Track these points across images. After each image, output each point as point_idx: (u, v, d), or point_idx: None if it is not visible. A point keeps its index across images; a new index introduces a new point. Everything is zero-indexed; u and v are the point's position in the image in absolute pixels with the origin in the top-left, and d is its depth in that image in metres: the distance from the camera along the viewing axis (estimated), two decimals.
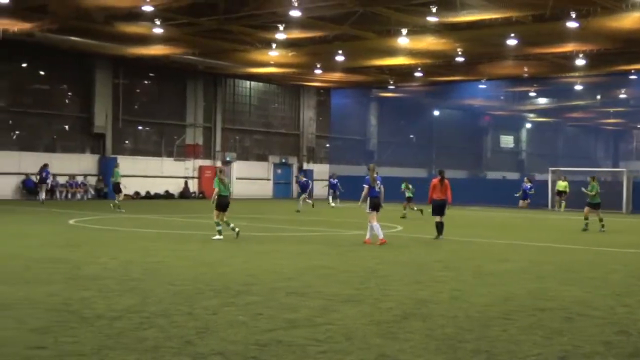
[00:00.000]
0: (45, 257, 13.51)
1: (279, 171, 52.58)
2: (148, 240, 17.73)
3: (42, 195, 35.23)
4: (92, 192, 41.83)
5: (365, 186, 17.66)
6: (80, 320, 8.00)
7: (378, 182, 17.71)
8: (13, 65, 40.13)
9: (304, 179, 37.86)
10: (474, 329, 7.98)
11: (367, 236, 17.69)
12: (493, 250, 17.20)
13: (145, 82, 46.33)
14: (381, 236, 17.32)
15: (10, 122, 40.41)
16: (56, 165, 39.20)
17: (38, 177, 36.28)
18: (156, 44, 36.55)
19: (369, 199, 17.52)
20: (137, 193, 43.41)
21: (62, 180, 40.19)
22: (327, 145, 56.87)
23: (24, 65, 40.77)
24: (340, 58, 39.12)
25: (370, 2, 28.80)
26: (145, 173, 44.29)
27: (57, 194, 39.95)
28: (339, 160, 55.48)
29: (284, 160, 52.87)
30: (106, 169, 42.14)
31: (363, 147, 59.13)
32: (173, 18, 31.66)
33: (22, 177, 39.08)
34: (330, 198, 38.58)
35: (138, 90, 45.92)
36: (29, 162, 38.32)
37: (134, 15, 30.83)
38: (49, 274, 11.40)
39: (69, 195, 40.42)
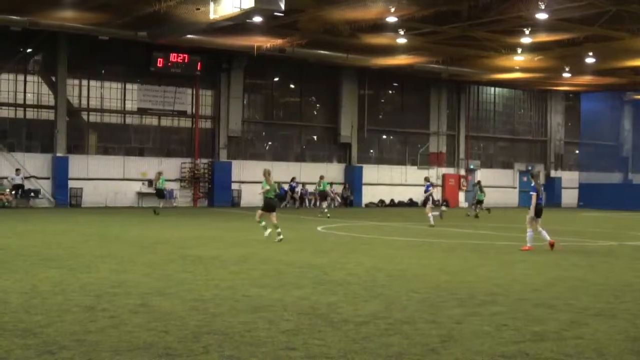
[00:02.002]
0: (295, 262, 14.06)
1: (525, 179, 51.11)
2: (393, 247, 17.92)
3: (289, 203, 37.52)
4: (339, 199, 43.14)
5: (534, 194, 17.44)
6: (327, 323, 8.21)
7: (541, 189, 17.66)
8: (266, 80, 42.51)
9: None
10: None
11: (529, 244, 17.31)
12: None
13: (390, 91, 47.09)
14: (529, 244, 17.16)
15: (264, 133, 42.85)
16: (305, 174, 40.91)
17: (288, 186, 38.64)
18: (400, 53, 37.03)
19: (533, 205, 17.36)
20: (381, 201, 44.21)
21: (311, 188, 41.81)
22: (577, 151, 54.49)
23: (276, 79, 43.02)
24: (590, 60, 37.39)
25: (623, 0, 27.25)
26: (389, 181, 44.99)
27: (306, 202, 41.64)
28: (589, 167, 52.92)
29: (530, 168, 51.33)
30: (352, 177, 43.39)
31: (615, 153, 55.94)
32: (416, 27, 31.91)
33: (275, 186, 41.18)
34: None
35: (382, 100, 46.80)
36: (281, 171, 40.35)
37: (379, 26, 31.44)
38: (299, 278, 11.84)
39: (317, 203, 41.93)
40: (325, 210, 31.76)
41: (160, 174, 31.94)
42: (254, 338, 7.42)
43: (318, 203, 41.65)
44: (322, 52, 37.35)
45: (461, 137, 48.68)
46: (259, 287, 10.76)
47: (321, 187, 33.33)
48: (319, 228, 24.00)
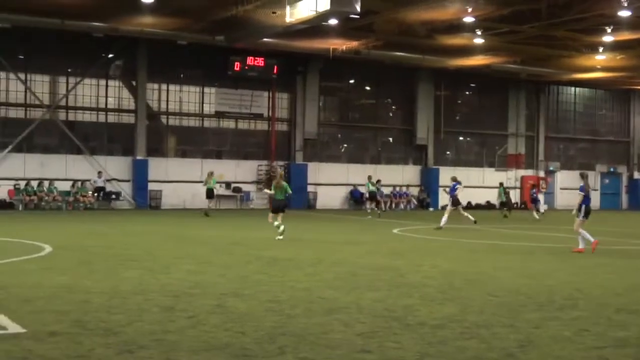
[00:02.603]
0: (370, 264, 14.03)
1: (607, 181, 49.89)
2: (469, 250, 17.71)
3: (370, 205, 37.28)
4: (415, 202, 42.89)
5: (582, 194, 17.37)
6: (403, 326, 8.16)
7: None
8: (342, 82, 42.60)
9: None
10: None
11: (581, 245, 17.04)
12: None
13: (466, 92, 46.61)
14: (582, 246, 16.94)
15: (339, 136, 42.94)
16: (381, 177, 40.81)
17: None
18: (477, 54, 36.61)
19: (583, 206, 17.18)
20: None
21: (386, 190, 41.65)
22: None
23: (352, 81, 43.06)
24: None
25: None
26: (466, 183, 44.40)
27: (382, 204, 41.47)
28: None
29: (612, 170, 50.09)
30: (428, 179, 43.07)
31: None
32: (494, 27, 31.49)
33: (350, 188, 41.20)
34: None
35: (459, 101, 46.34)
36: (356, 173, 40.33)
37: (455, 27, 31.16)
38: (374, 280, 11.80)
39: (393, 205, 41.79)
40: (369, 211, 31.48)
41: (211, 174, 31.84)
42: (329, 340, 7.43)
43: (394, 205, 41.60)
44: (397, 53, 37.21)
45: (540, 138, 47.81)
46: (333, 289, 10.76)
47: (371, 188, 32.84)
48: (394, 230, 23.90)
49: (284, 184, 19.66)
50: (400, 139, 44.15)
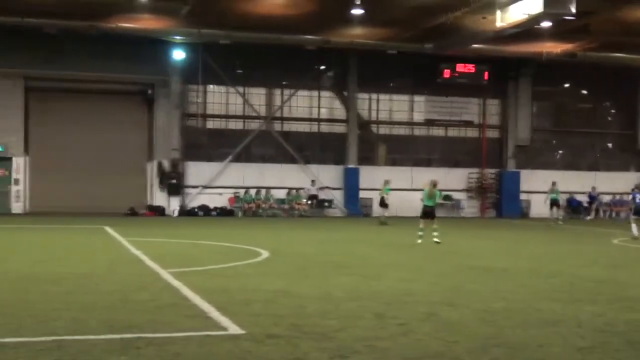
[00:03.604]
0: (589, 276, 13.39)
1: None
2: None
3: (591, 215, 35.82)
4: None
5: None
6: (625, 343, 7.70)
7: None
8: (556, 86, 41.13)
9: None
10: None
11: None
12: None
13: None
14: None
15: (554, 142, 41.47)
16: (600, 184, 39.00)
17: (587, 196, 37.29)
18: None
19: None
20: None
21: (606, 198, 39.71)
22: None
23: (566, 85, 41.46)
24: None
25: None
26: None
27: (601, 213, 39.61)
28: None
29: None
30: None
31: None
32: None
33: (566, 195, 39.61)
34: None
35: None
36: (573, 180, 38.71)
37: None
38: (593, 293, 11.25)
39: (613, 214, 39.73)
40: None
41: (387, 182, 30.79)
42: (546, 354, 7.15)
43: (614, 214, 39.50)
44: (617, 54, 35.33)
45: None
46: (550, 300, 10.37)
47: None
48: (614, 241, 22.68)
49: (437, 192, 20.38)
50: (621, 144, 41.90)
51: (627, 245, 21.40)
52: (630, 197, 24.85)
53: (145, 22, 30.88)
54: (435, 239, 19.49)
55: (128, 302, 9.61)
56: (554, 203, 31.66)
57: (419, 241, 19.42)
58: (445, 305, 9.81)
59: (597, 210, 39.02)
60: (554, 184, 31.98)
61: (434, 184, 20.31)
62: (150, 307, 9.30)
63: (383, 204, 30.46)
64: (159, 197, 35.39)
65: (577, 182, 38.03)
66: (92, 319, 8.48)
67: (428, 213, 20.02)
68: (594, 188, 38.45)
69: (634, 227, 23.30)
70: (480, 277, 12.94)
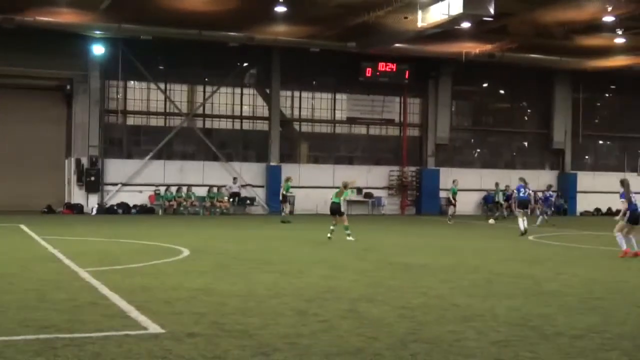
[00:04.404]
0: (506, 272, 13.70)
1: None
2: (611, 258, 16.96)
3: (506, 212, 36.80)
4: (552, 208, 41.56)
5: (623, 200, 17.28)
6: (540, 336, 7.91)
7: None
8: (475, 86, 41.96)
9: None
10: None
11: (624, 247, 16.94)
12: None
13: (606, 95, 44.93)
14: (624, 247, 16.88)
15: (472, 140, 42.31)
16: (516, 182, 39.81)
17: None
18: (618, 54, 35.21)
19: (628, 212, 17.10)
20: (597, 210, 42.31)
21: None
22: None
23: (485, 85, 42.34)
24: None
25: None
26: (605, 189, 42.73)
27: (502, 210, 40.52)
28: None
29: None
30: (566, 185, 41.81)
31: None
32: (636, 26, 30.15)
33: (483, 193, 40.43)
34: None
35: (598, 104, 44.74)
36: (489, 179, 39.53)
37: (594, 27, 30.05)
38: (510, 288, 11.52)
39: (529, 212, 40.63)
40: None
41: (288, 179, 31.02)
42: (462, 348, 7.30)
43: (529, 211, 40.42)
44: (533, 55, 36.24)
45: None
46: (468, 296, 10.58)
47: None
48: (530, 237, 23.28)
49: (346, 191, 21.18)
50: (536, 144, 43.03)
51: (541, 241, 22.00)
52: (515, 190, 25.58)
53: (64, 16, 30.19)
54: (348, 237, 20.02)
55: (44, 302, 9.40)
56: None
57: (329, 235, 20.16)
58: (365, 301, 9.91)
59: (511, 208, 39.85)
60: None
61: (345, 185, 21.06)
62: (68, 306, 9.12)
63: (284, 200, 30.75)
64: (77, 195, 34.68)
65: (493, 180, 38.79)
66: (6, 319, 8.27)
67: (333, 210, 20.89)
68: (507, 187, 39.24)
69: (520, 221, 23.93)
70: (400, 274, 13.11)
